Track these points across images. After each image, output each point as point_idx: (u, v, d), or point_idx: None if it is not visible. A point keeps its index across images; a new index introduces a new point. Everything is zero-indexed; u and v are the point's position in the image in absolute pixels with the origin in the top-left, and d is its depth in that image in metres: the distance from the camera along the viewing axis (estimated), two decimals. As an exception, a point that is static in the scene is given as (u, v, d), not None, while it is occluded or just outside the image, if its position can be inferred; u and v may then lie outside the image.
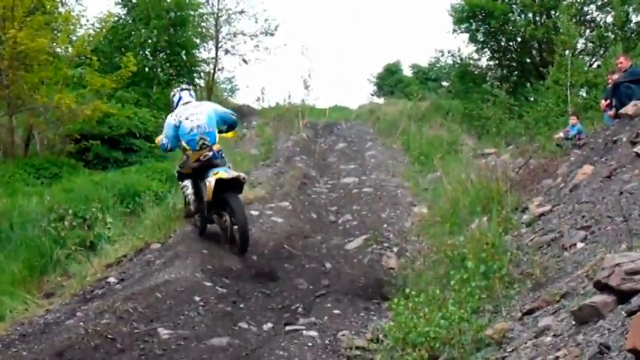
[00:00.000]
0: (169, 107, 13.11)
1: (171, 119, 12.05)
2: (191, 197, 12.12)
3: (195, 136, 11.70)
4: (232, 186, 11.58)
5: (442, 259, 9.11)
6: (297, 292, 10.43)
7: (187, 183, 12.21)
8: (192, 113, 11.89)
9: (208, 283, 10.08)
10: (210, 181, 11.36)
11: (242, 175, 11.92)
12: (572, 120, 17.60)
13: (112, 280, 10.77)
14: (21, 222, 14.63)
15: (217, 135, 12.04)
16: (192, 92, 12.87)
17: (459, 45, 34.10)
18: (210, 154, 11.74)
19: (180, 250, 11.45)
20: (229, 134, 13.16)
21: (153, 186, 16.89)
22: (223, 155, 12.11)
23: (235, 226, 11.49)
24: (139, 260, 11.60)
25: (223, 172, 11.49)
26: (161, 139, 12.28)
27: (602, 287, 5.11)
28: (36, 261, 12.95)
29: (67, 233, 13.13)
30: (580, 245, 7.44)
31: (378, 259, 11.55)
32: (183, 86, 13.66)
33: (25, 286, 11.70)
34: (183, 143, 11.82)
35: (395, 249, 12.03)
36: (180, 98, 12.35)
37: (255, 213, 14.65)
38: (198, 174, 11.92)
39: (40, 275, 12.56)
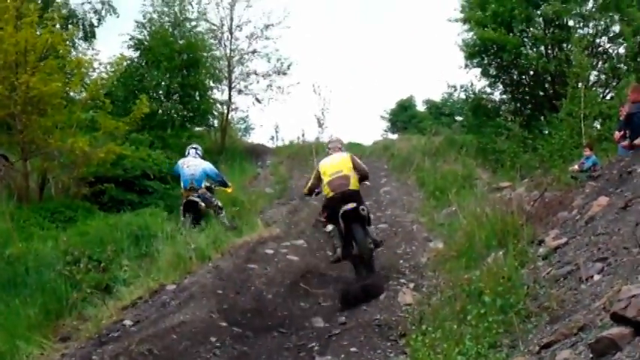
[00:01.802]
0: (184, 151, 19.43)
1: (180, 162, 18.20)
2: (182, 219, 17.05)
3: (188, 181, 17.43)
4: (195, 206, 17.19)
5: (459, 294, 9.05)
6: (314, 331, 10.39)
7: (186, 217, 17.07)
8: (191, 165, 17.69)
9: (224, 324, 10.05)
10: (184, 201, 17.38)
11: (202, 204, 17.21)
12: (586, 152, 17.58)
13: (127, 322, 10.75)
14: (36, 266, 14.62)
15: (204, 183, 17.58)
16: (198, 151, 18.62)
17: (472, 79, 34.08)
18: (195, 194, 17.24)
19: (195, 290, 11.44)
20: (227, 189, 18.83)
21: (167, 227, 16.88)
22: (205, 196, 17.40)
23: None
24: (155, 302, 11.58)
25: (193, 197, 17.18)
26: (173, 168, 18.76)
27: (618, 319, 5.06)
28: (52, 305, 12.91)
29: (83, 276, 13.07)
30: (597, 277, 7.37)
31: (394, 296, 11.49)
32: (194, 145, 19.27)
33: (41, 331, 11.66)
34: (181, 182, 17.66)
35: (411, 285, 11.98)
36: (188, 153, 18.38)
37: (270, 252, 14.68)
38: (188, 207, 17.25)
39: (55, 319, 12.51)
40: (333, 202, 12.81)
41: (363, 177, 13.49)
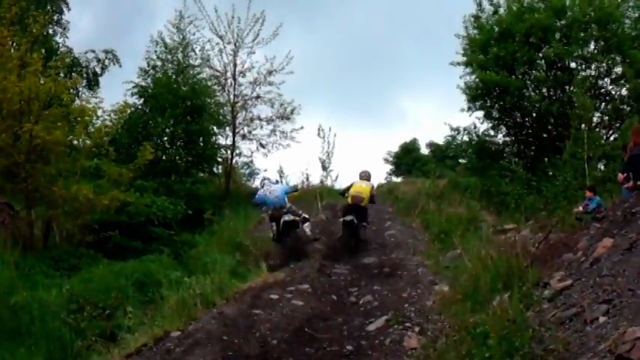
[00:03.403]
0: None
1: (261, 192, 20.83)
2: (275, 230, 20.17)
3: (277, 204, 20.08)
4: (292, 225, 19.89)
5: (464, 338, 8.98)
6: (319, 376, 10.32)
7: (274, 224, 20.19)
8: (272, 190, 20.44)
9: (229, 370, 9.98)
10: (280, 221, 19.82)
11: (297, 218, 20.19)
12: (588, 194, 17.57)
13: (132, 370, 10.69)
14: (41, 314, 14.56)
15: (286, 199, 20.32)
16: (271, 180, 21.80)
17: (475, 122, 34.09)
18: (283, 211, 19.91)
19: (200, 337, 11.38)
20: (294, 194, 22.15)
21: (171, 274, 16.84)
22: (289, 210, 20.10)
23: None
24: (159, 349, 11.50)
25: (286, 217, 19.80)
26: (255, 200, 21.34)
27: (623, 361, 5.03)
28: (56, 353, 12.88)
29: (87, 324, 13.10)
30: (602, 319, 7.33)
31: (399, 340, 11.40)
32: (265, 176, 22.91)
33: (46, 380, 11.63)
34: (270, 205, 20.29)
35: (416, 329, 11.86)
36: (263, 184, 21.21)
37: (274, 297, 14.59)
38: (276, 219, 20.06)
39: (60, 368, 12.47)
40: (349, 206, 20.92)
41: (372, 201, 21.82)
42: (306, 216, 21.31)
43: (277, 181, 22.92)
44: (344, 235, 20.68)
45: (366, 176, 22.16)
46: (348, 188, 21.78)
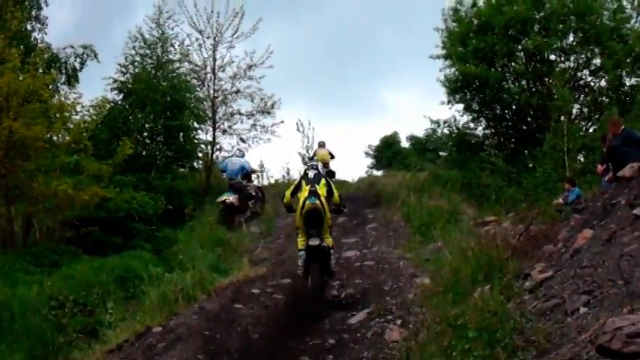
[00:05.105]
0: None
1: (227, 160, 26.42)
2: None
3: (232, 172, 24.80)
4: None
5: (445, 330, 8.99)
6: (301, 370, 10.31)
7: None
8: (234, 162, 25.54)
9: (210, 365, 9.96)
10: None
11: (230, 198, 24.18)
12: (567, 186, 17.63)
13: (113, 366, 10.66)
14: (22, 311, 14.51)
15: (240, 174, 24.84)
16: (240, 156, 26.58)
17: (455, 115, 34.10)
18: (233, 182, 24.26)
19: (181, 332, 11.38)
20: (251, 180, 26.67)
21: (152, 270, 16.79)
22: (240, 186, 24.62)
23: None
24: (141, 344, 11.50)
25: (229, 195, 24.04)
26: (220, 166, 26.94)
27: (604, 351, 5.04)
28: (38, 350, 12.85)
29: (69, 320, 13.07)
30: (583, 310, 7.36)
31: (381, 333, 11.41)
32: (238, 153, 27.34)
33: (28, 376, 11.59)
34: (228, 173, 25.14)
35: (398, 321, 11.88)
36: (234, 154, 27.01)
37: (256, 291, 14.60)
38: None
39: (41, 364, 12.43)
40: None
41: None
42: (253, 193, 25.76)
43: (243, 156, 27.02)
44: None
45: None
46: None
